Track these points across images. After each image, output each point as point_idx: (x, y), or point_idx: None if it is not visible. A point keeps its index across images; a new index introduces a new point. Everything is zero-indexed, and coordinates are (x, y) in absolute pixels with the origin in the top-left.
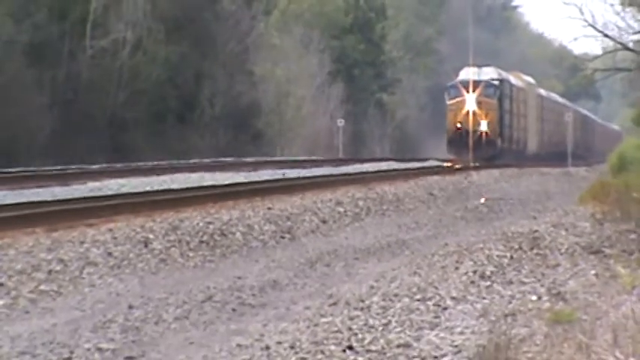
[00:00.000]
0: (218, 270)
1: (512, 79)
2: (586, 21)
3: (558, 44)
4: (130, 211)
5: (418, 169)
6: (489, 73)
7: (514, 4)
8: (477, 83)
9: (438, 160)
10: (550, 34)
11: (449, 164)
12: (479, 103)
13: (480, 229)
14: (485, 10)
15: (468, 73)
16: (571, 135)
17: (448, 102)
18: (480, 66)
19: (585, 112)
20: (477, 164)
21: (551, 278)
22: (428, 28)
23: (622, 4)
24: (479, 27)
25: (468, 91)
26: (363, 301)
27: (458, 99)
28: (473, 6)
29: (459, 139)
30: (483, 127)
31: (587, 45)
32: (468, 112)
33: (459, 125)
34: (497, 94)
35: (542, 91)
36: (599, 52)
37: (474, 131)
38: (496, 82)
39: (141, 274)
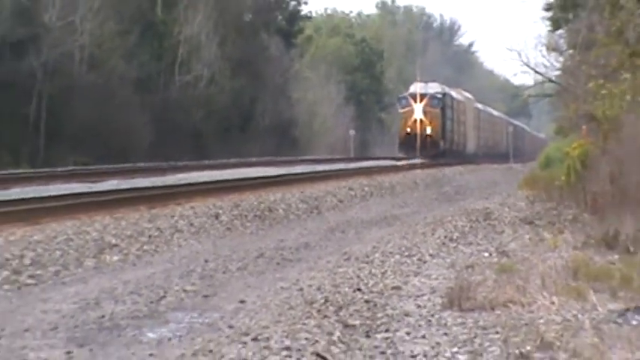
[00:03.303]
0: (267, 235)
1: (454, 94)
2: (522, 61)
3: (503, 77)
4: (205, 194)
5: (406, 165)
6: (434, 88)
7: (473, 49)
8: (423, 96)
9: (421, 159)
10: (498, 71)
11: (402, 162)
12: (425, 112)
13: (449, 207)
14: (452, 53)
15: (416, 87)
16: (511, 141)
17: (400, 111)
18: (426, 81)
19: (517, 123)
20: (424, 161)
21: (498, 241)
22: (413, 66)
23: (547, 49)
24: (447, 65)
25: (416, 102)
26: (367, 256)
27: (408, 108)
28: (443, 50)
29: (408, 141)
30: (428, 131)
31: (523, 78)
32: (415, 120)
33: (408, 130)
34: (440, 104)
35: (480, 105)
36: (532, 83)
37: (421, 135)
38: (440, 95)
39: (213, 238)
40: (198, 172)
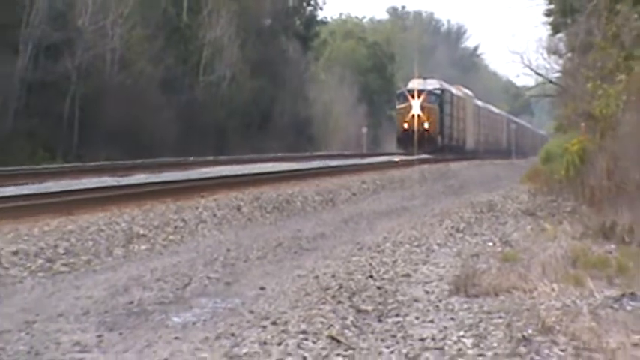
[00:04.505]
0: (285, 226)
1: (454, 90)
2: (525, 64)
3: (506, 79)
4: (227, 187)
5: (415, 160)
6: (433, 84)
7: (478, 52)
8: (421, 91)
9: (418, 155)
10: (501, 72)
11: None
12: (422, 108)
13: (455, 199)
14: (459, 56)
15: (414, 83)
16: (513, 137)
17: (397, 106)
18: (425, 78)
19: (519, 120)
20: (421, 157)
21: (502, 231)
22: (422, 68)
23: (548, 52)
24: (454, 67)
25: (413, 98)
26: (379, 246)
27: (405, 104)
28: (450, 53)
29: (406, 137)
30: (426, 127)
31: (525, 79)
32: (413, 115)
33: (406, 126)
34: (438, 100)
35: (480, 102)
36: (533, 83)
37: (419, 131)
38: (438, 91)
39: (235, 228)
40: (220, 166)
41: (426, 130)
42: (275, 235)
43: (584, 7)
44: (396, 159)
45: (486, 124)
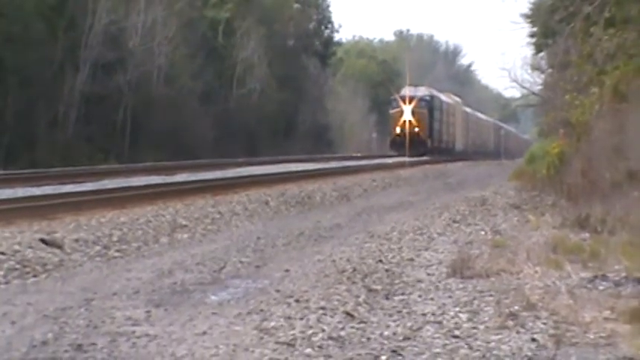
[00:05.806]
0: (307, 218)
1: (443, 97)
2: (512, 78)
3: (496, 91)
4: (257, 184)
5: (419, 161)
6: (423, 91)
7: (472, 68)
8: (412, 98)
9: (429, 156)
10: (492, 85)
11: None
12: (413, 113)
13: (452, 195)
14: (455, 72)
15: (406, 90)
16: (502, 141)
17: (391, 112)
18: (416, 85)
19: (507, 127)
20: (423, 158)
21: (492, 222)
22: (423, 82)
23: (531, 69)
24: (451, 82)
25: (405, 104)
26: (387, 234)
27: (398, 109)
28: (447, 70)
29: (398, 140)
30: (416, 131)
31: (512, 92)
32: (405, 120)
33: (398, 130)
34: (427, 106)
35: (468, 109)
36: (519, 95)
37: (410, 134)
38: (428, 98)
39: (263, 220)
40: (251, 167)
41: (417, 134)
42: (298, 225)
43: (562, 29)
44: (402, 160)
45: (474, 129)
